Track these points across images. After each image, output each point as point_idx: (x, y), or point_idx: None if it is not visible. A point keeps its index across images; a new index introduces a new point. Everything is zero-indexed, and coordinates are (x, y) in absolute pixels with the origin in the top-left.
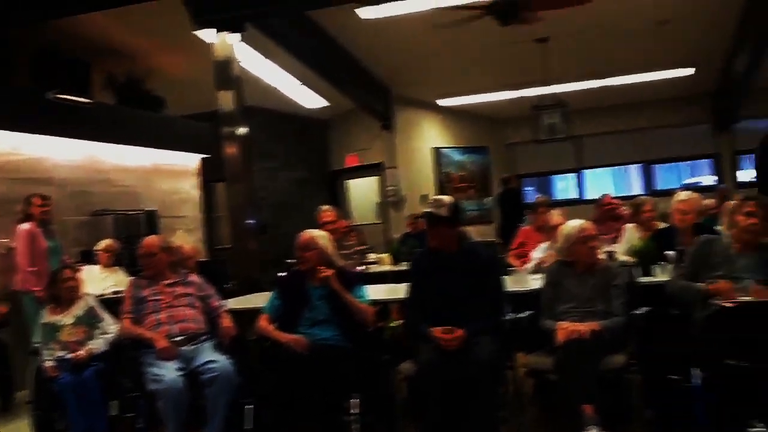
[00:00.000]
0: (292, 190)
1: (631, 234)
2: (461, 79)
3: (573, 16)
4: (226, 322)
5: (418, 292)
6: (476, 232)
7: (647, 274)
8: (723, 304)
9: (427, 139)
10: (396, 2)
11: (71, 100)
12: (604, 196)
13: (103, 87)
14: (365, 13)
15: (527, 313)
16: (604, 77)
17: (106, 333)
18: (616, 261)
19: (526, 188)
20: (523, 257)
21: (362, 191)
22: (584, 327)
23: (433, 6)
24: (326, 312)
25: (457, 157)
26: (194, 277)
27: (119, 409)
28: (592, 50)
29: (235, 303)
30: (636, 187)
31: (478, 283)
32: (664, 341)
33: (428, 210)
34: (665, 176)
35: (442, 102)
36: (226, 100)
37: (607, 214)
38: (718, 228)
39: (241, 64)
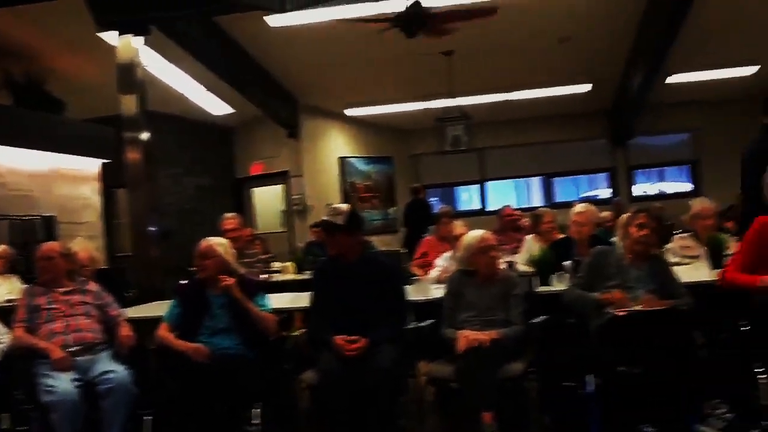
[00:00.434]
0: (196, 197)
1: (531, 244)
2: (368, 89)
3: (478, 30)
4: (125, 331)
5: (321, 300)
6: (381, 242)
7: (545, 283)
8: (616, 313)
9: (334, 148)
10: (303, 11)
11: None
12: (505, 207)
13: (0, 87)
14: (274, 21)
15: (429, 321)
16: (507, 91)
17: None
18: (516, 271)
19: (430, 199)
20: (427, 267)
21: (267, 199)
22: (484, 335)
23: (339, 17)
24: (227, 321)
25: (362, 166)
26: (92, 285)
27: (11, 422)
28: (496, 64)
29: (135, 312)
30: (536, 199)
31: (380, 292)
32: (560, 349)
33: (325, 218)
34: (564, 189)
35: (349, 112)
36: (128, 104)
37: (508, 225)
38: (613, 240)
39: (145, 67)
